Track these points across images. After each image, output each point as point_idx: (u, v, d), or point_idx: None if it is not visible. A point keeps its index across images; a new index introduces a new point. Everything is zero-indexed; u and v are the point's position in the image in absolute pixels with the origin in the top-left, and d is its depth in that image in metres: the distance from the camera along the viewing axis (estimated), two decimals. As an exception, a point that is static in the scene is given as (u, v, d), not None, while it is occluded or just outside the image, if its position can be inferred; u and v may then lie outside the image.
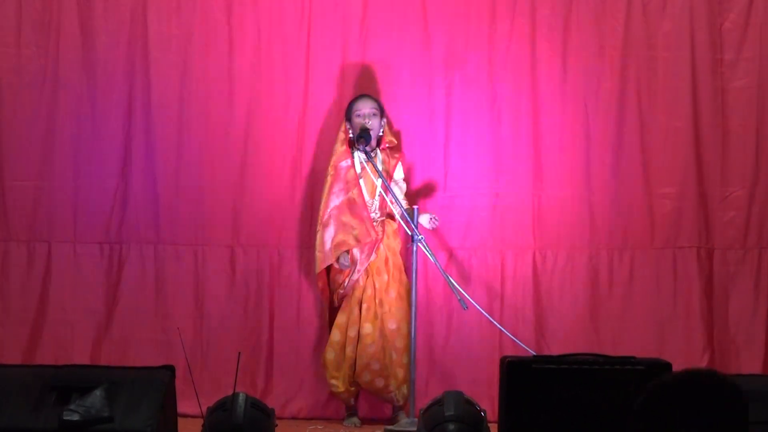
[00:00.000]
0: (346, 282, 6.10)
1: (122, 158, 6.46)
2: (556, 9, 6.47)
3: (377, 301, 6.06)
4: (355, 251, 6.07)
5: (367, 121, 6.10)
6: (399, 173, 6.22)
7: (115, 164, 6.46)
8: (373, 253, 6.08)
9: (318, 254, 6.08)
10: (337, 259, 6.07)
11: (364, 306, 6.06)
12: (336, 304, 6.17)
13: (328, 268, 6.16)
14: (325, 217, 6.10)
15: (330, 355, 6.10)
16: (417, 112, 6.47)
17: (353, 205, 6.08)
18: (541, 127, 6.47)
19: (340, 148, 6.17)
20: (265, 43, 6.48)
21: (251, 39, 6.47)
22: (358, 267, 6.07)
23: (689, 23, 6.46)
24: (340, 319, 6.10)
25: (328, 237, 6.07)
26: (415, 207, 6.02)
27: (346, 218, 6.07)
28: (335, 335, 6.10)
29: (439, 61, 6.48)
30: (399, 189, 6.17)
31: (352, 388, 6.14)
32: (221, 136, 6.47)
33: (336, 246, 6.05)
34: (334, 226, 6.07)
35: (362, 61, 6.47)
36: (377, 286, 6.06)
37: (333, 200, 6.10)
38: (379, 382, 6.05)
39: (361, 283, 6.08)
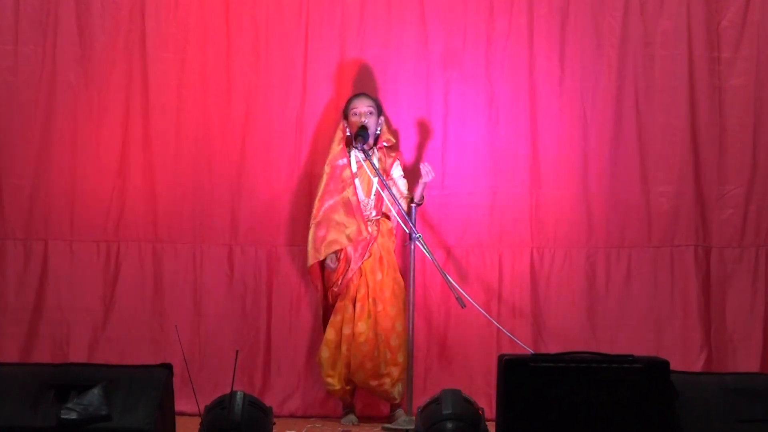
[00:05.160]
0: (340, 280, 6.09)
1: (120, 157, 6.46)
2: (553, 7, 6.47)
3: (371, 299, 6.05)
4: (350, 249, 6.07)
5: (364, 119, 6.10)
6: (397, 171, 6.20)
7: (113, 162, 6.46)
8: (367, 252, 6.08)
9: (310, 250, 6.08)
10: (325, 258, 6.07)
11: (358, 305, 6.05)
12: (331, 301, 6.17)
13: (323, 266, 6.16)
14: (319, 214, 6.09)
15: (325, 353, 6.10)
16: (414, 110, 6.47)
17: (347, 205, 6.07)
18: (539, 125, 6.48)
19: (337, 146, 6.16)
20: (263, 42, 6.48)
21: (249, 37, 6.47)
22: (351, 266, 6.07)
23: (687, 21, 6.47)
24: (335, 317, 6.10)
25: (320, 234, 6.07)
26: (413, 205, 6.02)
27: (339, 217, 6.07)
28: (330, 333, 6.10)
29: (437, 59, 6.48)
30: (398, 187, 6.16)
31: (348, 387, 6.14)
32: (219, 135, 6.47)
33: (327, 244, 6.04)
34: (326, 224, 6.07)
35: (360, 59, 6.47)
36: (371, 284, 6.06)
37: (327, 198, 6.10)
38: (374, 381, 6.05)
39: (355, 281, 6.08)
